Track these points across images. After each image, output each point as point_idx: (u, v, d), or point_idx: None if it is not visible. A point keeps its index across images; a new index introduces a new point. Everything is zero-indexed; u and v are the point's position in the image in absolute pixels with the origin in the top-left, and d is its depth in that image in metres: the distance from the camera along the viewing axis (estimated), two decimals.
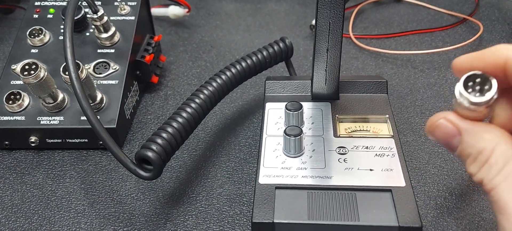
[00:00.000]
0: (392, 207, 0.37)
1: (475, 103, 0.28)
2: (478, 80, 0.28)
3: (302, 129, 0.43)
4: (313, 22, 0.68)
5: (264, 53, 0.51)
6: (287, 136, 0.42)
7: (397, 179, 0.39)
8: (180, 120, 0.43)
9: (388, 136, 0.43)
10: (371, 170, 0.40)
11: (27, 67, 0.45)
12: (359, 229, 0.36)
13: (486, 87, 0.28)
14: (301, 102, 0.46)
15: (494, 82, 0.28)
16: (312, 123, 0.45)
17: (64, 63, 0.43)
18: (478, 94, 0.28)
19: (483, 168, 0.27)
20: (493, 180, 0.26)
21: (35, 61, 0.46)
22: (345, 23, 0.68)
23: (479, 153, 0.27)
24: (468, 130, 0.28)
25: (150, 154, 0.39)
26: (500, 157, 0.26)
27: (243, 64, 0.50)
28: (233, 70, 0.49)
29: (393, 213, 0.36)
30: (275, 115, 0.47)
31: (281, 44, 0.52)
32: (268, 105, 0.48)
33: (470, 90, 0.28)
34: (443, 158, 0.48)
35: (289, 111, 0.45)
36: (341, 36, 0.44)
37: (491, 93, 0.27)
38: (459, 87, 0.28)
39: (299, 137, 0.41)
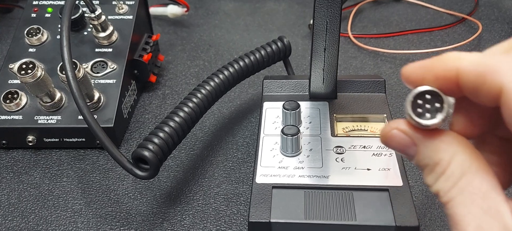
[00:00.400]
0: (389, 206, 0.37)
1: (425, 126, 0.25)
2: (428, 97, 0.25)
3: (300, 128, 0.43)
4: (312, 21, 0.68)
5: (262, 52, 0.51)
6: (284, 135, 0.41)
7: (395, 179, 0.39)
8: (177, 119, 0.42)
9: None
10: (368, 169, 0.40)
11: (24, 66, 0.45)
12: (356, 229, 0.36)
13: (438, 105, 0.25)
14: (299, 102, 0.46)
15: (447, 103, 0.25)
16: (310, 122, 0.45)
17: (61, 62, 0.42)
18: (428, 115, 0.25)
19: (440, 180, 0.25)
20: (449, 193, 0.25)
21: (33, 60, 0.46)
22: (344, 23, 0.68)
23: (436, 165, 0.25)
24: (423, 140, 0.26)
25: (146, 153, 0.39)
26: (457, 168, 0.25)
27: (241, 63, 0.50)
28: (231, 69, 0.49)
29: (390, 212, 0.36)
30: (272, 114, 0.47)
31: (279, 44, 0.52)
32: (266, 104, 0.48)
33: (419, 109, 0.26)
34: None
35: (286, 111, 0.44)
36: (338, 36, 0.43)
37: (443, 115, 0.25)
38: (407, 108, 0.26)
39: (296, 136, 0.41)
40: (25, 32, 0.55)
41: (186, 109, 0.43)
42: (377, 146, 0.42)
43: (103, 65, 0.53)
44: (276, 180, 0.40)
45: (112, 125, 0.49)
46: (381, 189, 0.38)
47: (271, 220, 0.37)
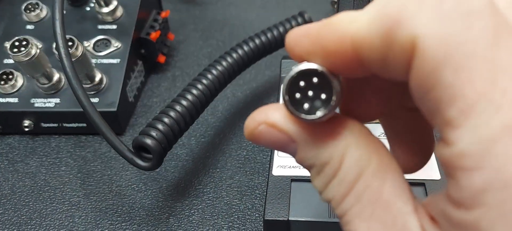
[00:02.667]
0: None
1: (304, 119, 0.18)
2: (315, 80, 0.18)
3: None
4: None
5: (281, 29, 0.46)
6: None
7: (431, 171, 0.35)
8: (184, 102, 0.38)
9: None
10: None
11: (17, 44, 0.41)
12: None
13: (324, 97, 0.18)
14: None
15: (336, 94, 0.18)
16: None
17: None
18: (306, 105, 0.18)
19: (331, 185, 0.19)
20: (344, 202, 0.18)
21: (27, 37, 0.42)
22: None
23: (325, 164, 0.19)
24: (303, 135, 0.19)
25: (148, 141, 0.35)
26: (351, 168, 0.18)
27: (257, 41, 0.45)
28: (245, 48, 0.44)
29: None
30: None
31: (299, 19, 0.47)
32: None
33: (298, 94, 0.18)
34: None
35: None
36: None
37: (326, 110, 0.18)
38: (282, 91, 0.18)
39: None
40: (23, 7, 0.50)
41: (194, 92, 0.39)
42: None
43: (106, 43, 0.49)
44: (296, 172, 0.35)
45: (115, 109, 0.44)
46: (416, 183, 0.34)
47: (290, 218, 0.32)
